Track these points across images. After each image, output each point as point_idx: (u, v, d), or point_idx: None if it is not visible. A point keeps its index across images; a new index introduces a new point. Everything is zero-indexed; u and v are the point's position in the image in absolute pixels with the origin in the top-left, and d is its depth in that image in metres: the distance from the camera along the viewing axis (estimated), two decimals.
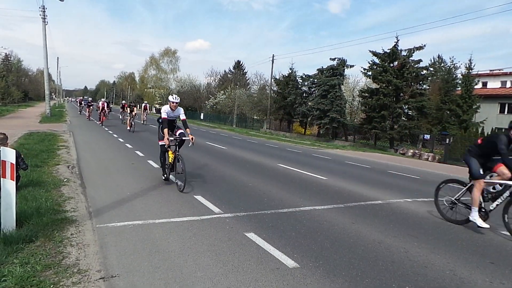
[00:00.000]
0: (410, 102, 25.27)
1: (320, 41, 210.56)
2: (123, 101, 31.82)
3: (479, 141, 5.78)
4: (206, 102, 56.39)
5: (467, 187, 5.85)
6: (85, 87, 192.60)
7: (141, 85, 73.71)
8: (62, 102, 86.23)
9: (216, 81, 64.03)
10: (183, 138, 7.14)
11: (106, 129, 20.91)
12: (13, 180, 3.93)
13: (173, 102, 7.06)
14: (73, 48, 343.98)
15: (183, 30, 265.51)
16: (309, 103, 33.65)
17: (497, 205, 5.49)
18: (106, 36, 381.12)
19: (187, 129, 7.14)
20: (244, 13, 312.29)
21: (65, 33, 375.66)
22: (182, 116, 7.30)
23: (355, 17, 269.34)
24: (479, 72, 33.27)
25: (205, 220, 5.12)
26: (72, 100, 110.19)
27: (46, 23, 28.32)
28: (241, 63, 66.96)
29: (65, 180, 6.87)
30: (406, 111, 26.54)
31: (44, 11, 28.15)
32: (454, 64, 38.42)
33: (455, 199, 6.00)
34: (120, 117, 28.23)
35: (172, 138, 6.97)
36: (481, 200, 5.55)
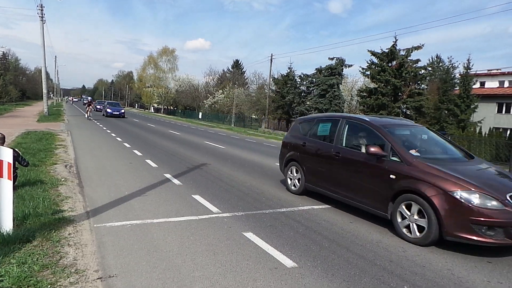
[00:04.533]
0: (408, 101, 25.30)
1: (321, 41, 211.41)
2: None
3: None
4: (205, 101, 56.29)
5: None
6: (83, 86, 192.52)
7: (139, 84, 73.54)
8: (60, 101, 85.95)
9: (214, 80, 63.97)
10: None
11: (104, 128, 20.86)
12: (10, 180, 3.91)
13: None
14: (72, 47, 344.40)
15: (184, 29, 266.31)
16: (308, 103, 33.69)
17: None
18: (106, 35, 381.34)
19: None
20: (245, 12, 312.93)
21: (65, 32, 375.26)
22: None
23: (356, 16, 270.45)
24: (477, 72, 33.33)
25: (203, 220, 5.11)
26: (75, 100, 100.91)
27: (44, 21, 28.22)
28: (239, 62, 66.99)
29: (62, 179, 6.84)
30: (404, 110, 26.56)
31: (42, 10, 28.06)
32: (452, 64, 38.54)
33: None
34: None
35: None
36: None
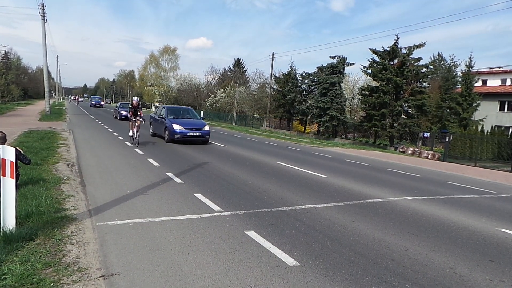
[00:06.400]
0: (410, 100, 25.22)
1: (323, 39, 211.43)
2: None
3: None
4: (206, 100, 56.32)
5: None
6: (85, 85, 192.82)
7: (141, 83, 73.52)
8: (61, 100, 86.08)
9: (216, 79, 63.98)
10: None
11: (106, 127, 20.88)
12: (13, 178, 3.92)
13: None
14: (74, 46, 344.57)
15: (186, 27, 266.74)
16: (309, 101, 33.62)
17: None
18: (107, 33, 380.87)
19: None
20: (247, 11, 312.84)
21: (66, 30, 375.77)
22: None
23: (358, 15, 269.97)
24: (479, 70, 33.30)
25: (205, 218, 5.12)
26: (80, 100, 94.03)
27: (45, 21, 28.23)
28: (241, 61, 67.08)
29: (65, 178, 6.86)
30: (406, 109, 26.47)
31: (43, 9, 28.05)
32: (454, 62, 38.48)
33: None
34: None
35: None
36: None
